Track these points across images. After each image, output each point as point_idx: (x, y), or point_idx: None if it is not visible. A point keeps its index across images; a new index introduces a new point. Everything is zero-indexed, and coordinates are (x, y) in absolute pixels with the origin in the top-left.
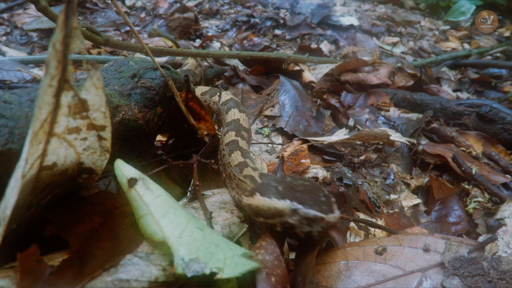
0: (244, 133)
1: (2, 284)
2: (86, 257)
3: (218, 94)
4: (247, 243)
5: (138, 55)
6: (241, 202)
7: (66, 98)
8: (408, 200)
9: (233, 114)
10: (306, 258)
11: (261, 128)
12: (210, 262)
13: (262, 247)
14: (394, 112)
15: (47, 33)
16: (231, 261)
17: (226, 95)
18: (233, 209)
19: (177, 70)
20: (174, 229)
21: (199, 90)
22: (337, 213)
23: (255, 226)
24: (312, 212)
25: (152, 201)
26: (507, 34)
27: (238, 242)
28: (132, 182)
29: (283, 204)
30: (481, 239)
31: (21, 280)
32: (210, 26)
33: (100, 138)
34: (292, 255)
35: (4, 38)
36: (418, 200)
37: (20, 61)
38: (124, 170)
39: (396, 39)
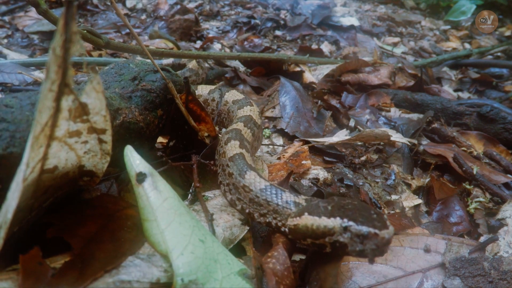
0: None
1: (5, 286)
2: (88, 259)
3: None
4: (251, 249)
5: (139, 57)
6: (283, 227)
7: (67, 102)
8: (409, 201)
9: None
10: (327, 265)
11: None
12: (207, 283)
13: (274, 256)
14: (395, 112)
15: (48, 35)
16: (227, 281)
17: (248, 111)
18: (234, 212)
19: (180, 72)
20: (177, 243)
21: (232, 96)
22: (391, 229)
23: (257, 233)
24: (365, 229)
25: (159, 206)
26: (507, 33)
27: (241, 247)
28: (141, 177)
29: (334, 222)
30: (482, 239)
31: (23, 282)
32: (210, 27)
33: (100, 141)
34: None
35: (5, 40)
36: (419, 201)
37: (21, 64)
38: (134, 161)
39: (396, 39)
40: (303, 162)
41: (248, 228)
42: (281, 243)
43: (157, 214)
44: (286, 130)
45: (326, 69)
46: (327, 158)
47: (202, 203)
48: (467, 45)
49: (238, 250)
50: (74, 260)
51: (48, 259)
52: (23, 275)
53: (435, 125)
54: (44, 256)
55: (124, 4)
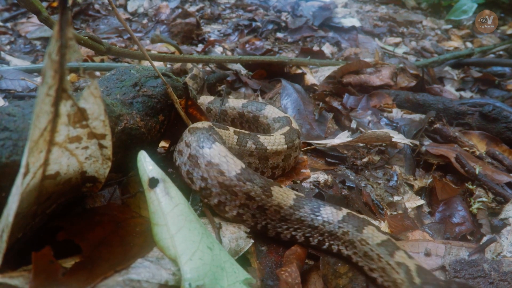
0: None
1: (16, 283)
2: (98, 260)
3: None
4: (255, 261)
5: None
6: None
7: (65, 107)
8: (412, 202)
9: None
10: None
11: None
12: None
13: (287, 271)
14: (396, 113)
15: None
16: None
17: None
18: (240, 225)
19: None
20: (186, 249)
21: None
22: None
23: (260, 244)
24: None
25: (170, 211)
26: (509, 31)
27: (245, 258)
28: (153, 183)
29: None
30: (485, 239)
31: (34, 279)
32: (212, 30)
33: (101, 146)
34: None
35: (8, 47)
36: (421, 201)
37: (24, 70)
38: (147, 166)
39: (398, 39)
40: (303, 171)
41: (253, 241)
42: (295, 263)
43: (168, 219)
44: None
45: (327, 71)
46: (329, 160)
47: (208, 215)
48: (469, 44)
49: (242, 261)
50: (84, 261)
51: (58, 261)
52: (35, 273)
53: (437, 125)
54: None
55: (125, 9)
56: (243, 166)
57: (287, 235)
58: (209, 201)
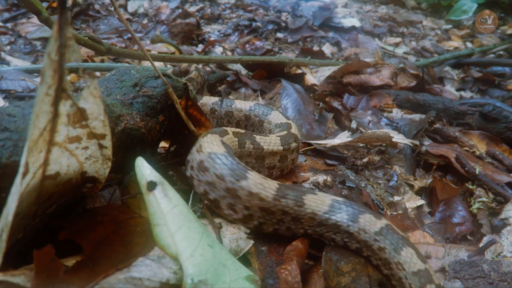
0: None
1: (18, 281)
2: (99, 259)
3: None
4: (255, 261)
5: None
6: None
7: (65, 107)
8: (412, 202)
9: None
10: None
11: None
12: (216, 284)
13: (287, 269)
14: (397, 113)
15: None
16: (236, 284)
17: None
18: (240, 226)
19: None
20: (187, 246)
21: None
22: None
23: (260, 244)
24: None
25: (169, 211)
26: (509, 31)
27: (246, 259)
28: (151, 186)
29: None
30: (485, 239)
31: (36, 277)
32: (212, 31)
33: (101, 146)
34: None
35: (8, 47)
36: (421, 201)
37: (24, 71)
38: (145, 171)
39: (398, 39)
40: (302, 174)
41: (253, 242)
42: (295, 260)
43: (167, 218)
44: None
45: (327, 71)
46: (329, 161)
47: (208, 216)
48: (469, 44)
49: (243, 262)
50: (85, 260)
51: (59, 260)
52: (36, 271)
53: (437, 125)
54: None
55: (125, 9)
56: (276, 186)
57: (328, 237)
58: (249, 225)
